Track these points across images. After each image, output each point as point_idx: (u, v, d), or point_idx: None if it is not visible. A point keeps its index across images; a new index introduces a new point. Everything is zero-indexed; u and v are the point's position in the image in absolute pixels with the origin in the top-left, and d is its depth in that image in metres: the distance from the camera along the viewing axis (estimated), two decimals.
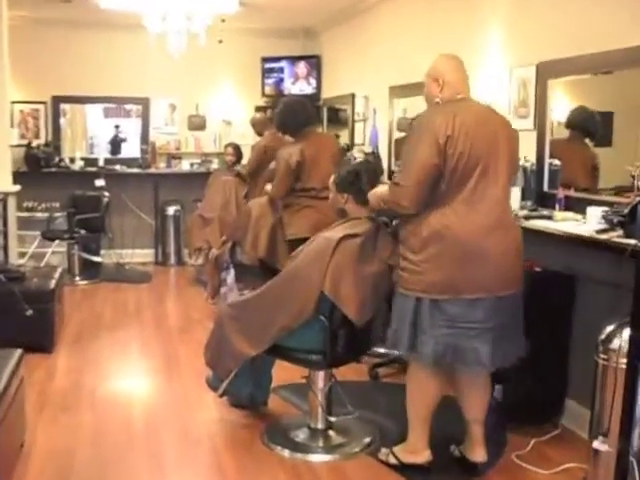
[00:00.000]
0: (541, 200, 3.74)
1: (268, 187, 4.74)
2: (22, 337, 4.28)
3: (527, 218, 3.40)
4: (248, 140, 7.80)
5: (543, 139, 3.82)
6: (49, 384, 4.02)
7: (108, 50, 7.53)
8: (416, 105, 5.56)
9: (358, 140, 6.60)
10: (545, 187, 3.81)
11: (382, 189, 2.94)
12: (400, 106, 5.68)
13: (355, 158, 5.58)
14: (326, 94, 7.73)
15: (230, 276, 5.13)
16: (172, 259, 7.81)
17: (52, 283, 4.66)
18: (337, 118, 7.78)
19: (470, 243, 2.64)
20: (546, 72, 3.76)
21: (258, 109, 8.02)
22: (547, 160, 3.80)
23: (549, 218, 3.40)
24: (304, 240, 4.32)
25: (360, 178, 3.02)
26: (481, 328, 2.68)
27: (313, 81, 7.89)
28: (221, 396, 3.48)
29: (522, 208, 3.61)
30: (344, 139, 7.44)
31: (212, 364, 3.35)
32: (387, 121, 5.83)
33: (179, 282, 7.02)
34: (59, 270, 5.07)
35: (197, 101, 8.01)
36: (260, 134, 6.37)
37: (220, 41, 6.03)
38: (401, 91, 5.51)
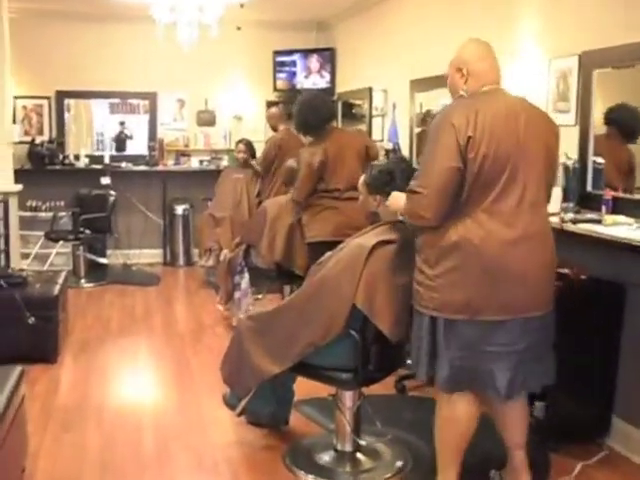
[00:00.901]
0: (584, 201, 3.44)
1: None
2: (24, 347, 4.06)
3: (575, 222, 3.11)
4: (260, 136, 7.59)
5: (586, 135, 3.51)
6: (52, 399, 3.74)
7: (114, 43, 7.25)
8: (439, 99, 5.41)
9: (376, 136, 6.30)
10: (589, 187, 3.51)
11: (397, 198, 2.63)
12: (422, 100, 5.39)
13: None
14: (341, 88, 7.44)
15: (244, 280, 4.84)
16: (181, 260, 7.55)
17: (56, 289, 4.39)
18: (351, 113, 7.50)
19: (492, 257, 2.32)
20: (590, 62, 3.46)
21: (270, 104, 7.75)
22: (591, 158, 3.50)
23: (598, 222, 3.10)
24: (325, 244, 4.11)
25: (394, 178, 2.72)
26: (502, 352, 2.37)
27: (327, 75, 7.59)
28: (239, 415, 3.20)
29: (565, 210, 3.31)
30: None
31: (230, 382, 3.07)
32: (408, 116, 5.53)
33: (188, 284, 6.74)
34: (63, 274, 4.80)
35: (206, 96, 7.72)
36: (275, 129, 6.11)
37: (239, 28, 5.76)
38: (424, 84, 5.21)
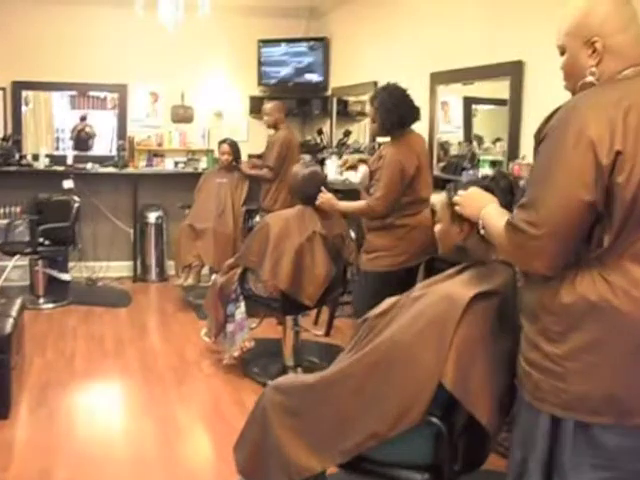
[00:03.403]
0: None
1: (361, 203, 3.66)
2: None
3: None
4: (242, 136, 6.85)
5: None
6: (2, 472, 2.88)
7: (79, 28, 6.33)
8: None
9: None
10: None
11: (478, 199, 1.91)
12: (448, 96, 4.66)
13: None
14: (335, 83, 6.64)
15: (239, 311, 4.01)
16: (153, 274, 6.66)
17: (8, 325, 3.50)
18: (345, 111, 6.73)
19: None
20: None
21: (255, 100, 6.96)
22: None
23: None
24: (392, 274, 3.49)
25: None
26: None
27: (319, 68, 6.79)
28: None
29: None
30: (360, 137, 6.41)
31: (248, 473, 2.26)
32: (427, 115, 4.76)
33: (164, 305, 5.85)
34: (18, 303, 3.91)
35: (183, 89, 6.83)
36: (276, 126, 5.38)
37: None
38: (449, 77, 4.47)
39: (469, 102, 4.84)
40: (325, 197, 3.81)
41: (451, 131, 4.96)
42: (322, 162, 6.19)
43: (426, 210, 3.65)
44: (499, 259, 1.98)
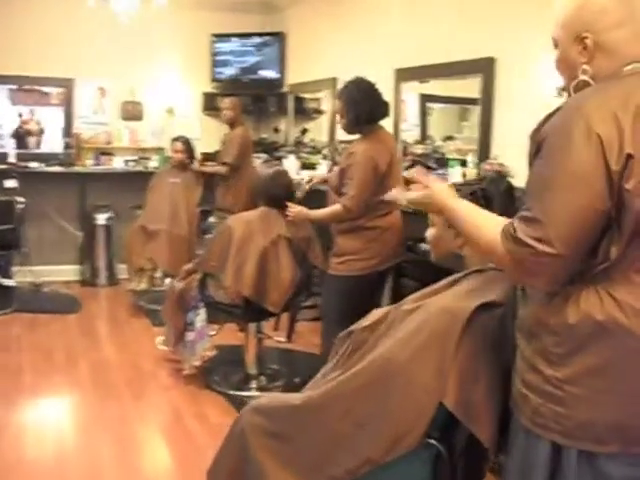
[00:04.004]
0: None
1: (334, 207, 3.45)
2: None
3: None
4: (195, 133, 6.57)
5: None
6: None
7: (22, 16, 5.97)
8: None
9: (343, 136, 5.36)
10: None
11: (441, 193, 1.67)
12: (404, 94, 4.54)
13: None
14: (292, 79, 6.46)
15: (200, 318, 3.79)
16: (102, 278, 6.35)
17: None
18: (302, 109, 6.56)
19: None
20: None
21: (208, 96, 6.72)
22: None
23: None
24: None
25: (491, 204, 1.79)
26: None
27: (275, 64, 6.60)
28: None
29: None
30: (316, 135, 6.25)
31: None
32: (391, 112, 4.62)
33: (115, 310, 5.56)
34: None
35: (132, 85, 6.53)
36: (233, 123, 5.20)
37: None
38: (416, 74, 4.35)
39: (424, 100, 4.75)
40: (294, 211, 3.61)
41: (408, 129, 4.86)
42: (279, 161, 6.02)
43: (397, 211, 3.52)
44: (493, 267, 1.84)
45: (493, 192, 1.79)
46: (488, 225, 1.50)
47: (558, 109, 1.46)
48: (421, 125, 4.81)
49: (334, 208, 3.44)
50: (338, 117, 3.57)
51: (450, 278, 1.87)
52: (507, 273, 1.53)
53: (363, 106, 3.37)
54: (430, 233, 1.94)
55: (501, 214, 1.55)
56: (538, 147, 1.44)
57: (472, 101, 4.08)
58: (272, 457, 1.89)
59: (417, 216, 2.29)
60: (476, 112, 3.85)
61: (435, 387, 1.67)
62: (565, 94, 1.60)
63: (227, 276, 3.60)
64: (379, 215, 3.41)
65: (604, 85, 1.44)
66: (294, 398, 1.91)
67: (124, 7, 3.96)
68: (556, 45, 1.56)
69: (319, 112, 6.36)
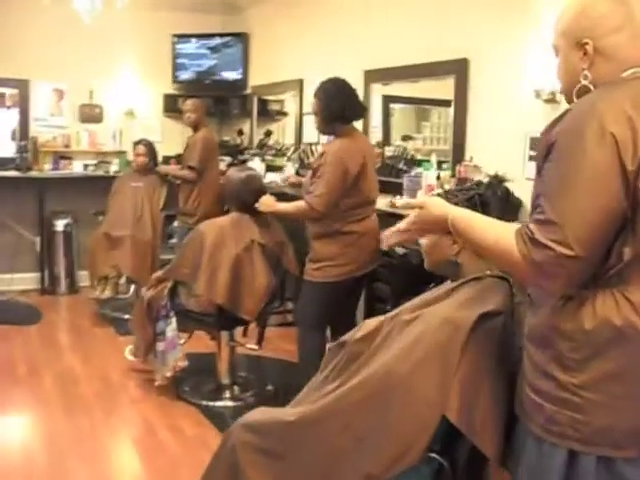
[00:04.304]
0: None
1: (300, 202, 3.39)
2: None
3: None
4: (156, 136, 6.40)
5: None
6: None
7: None
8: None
9: (310, 138, 5.30)
10: None
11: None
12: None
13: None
14: (256, 81, 6.36)
15: (170, 327, 3.67)
16: (63, 286, 6.15)
17: None
18: (265, 111, 6.47)
19: None
20: None
21: (169, 97, 6.58)
22: None
23: None
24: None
25: (488, 210, 1.73)
26: None
27: (238, 65, 6.49)
28: None
29: None
30: (281, 137, 6.16)
31: None
32: None
33: (78, 320, 5.37)
34: None
35: (91, 87, 6.35)
36: (196, 126, 5.08)
37: None
38: (386, 75, 4.30)
39: (387, 101, 4.72)
40: (264, 198, 3.54)
41: (371, 131, 4.82)
42: (243, 164, 5.92)
43: (373, 215, 3.47)
44: (494, 273, 1.80)
45: (490, 197, 1.74)
46: (497, 230, 1.47)
47: (567, 111, 1.43)
48: (383, 126, 4.78)
49: (299, 204, 3.38)
50: (314, 117, 3.50)
51: (447, 286, 1.82)
52: (521, 277, 1.49)
53: (337, 102, 3.32)
54: (424, 241, 1.89)
55: (499, 219, 1.52)
56: (548, 150, 1.41)
57: (435, 102, 4.08)
58: (266, 476, 1.81)
59: (395, 219, 2.23)
60: (437, 112, 3.85)
61: (437, 400, 1.62)
62: (562, 97, 1.59)
63: (200, 284, 3.50)
64: (356, 220, 3.35)
65: (612, 87, 1.43)
66: (287, 414, 1.84)
67: (87, 6, 3.80)
68: (557, 53, 1.56)
69: (283, 114, 6.28)
